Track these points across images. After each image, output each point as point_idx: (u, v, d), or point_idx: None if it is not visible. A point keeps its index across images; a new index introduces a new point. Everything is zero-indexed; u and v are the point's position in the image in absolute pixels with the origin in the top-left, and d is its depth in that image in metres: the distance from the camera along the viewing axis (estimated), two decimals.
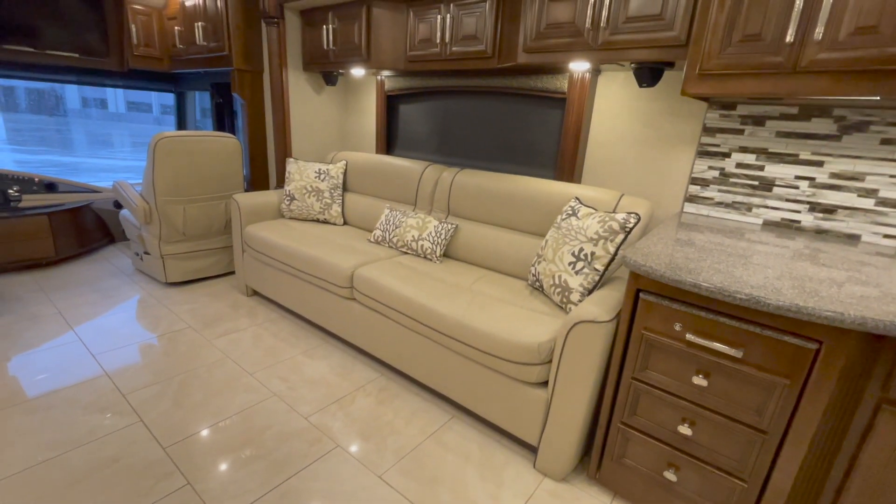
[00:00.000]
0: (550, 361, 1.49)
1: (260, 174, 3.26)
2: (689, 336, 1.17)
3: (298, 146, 3.15)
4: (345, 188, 2.96)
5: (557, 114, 2.23)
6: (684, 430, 1.23)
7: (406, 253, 2.35)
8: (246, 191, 3.14)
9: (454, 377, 1.77)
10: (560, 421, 1.47)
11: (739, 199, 1.79)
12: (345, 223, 2.88)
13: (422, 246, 2.27)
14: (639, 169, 2.07)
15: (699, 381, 1.18)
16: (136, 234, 2.93)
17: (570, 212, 1.78)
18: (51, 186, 3.24)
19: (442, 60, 2.27)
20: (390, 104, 2.99)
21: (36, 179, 3.17)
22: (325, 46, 2.74)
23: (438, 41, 2.24)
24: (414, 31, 2.35)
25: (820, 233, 1.65)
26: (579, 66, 1.95)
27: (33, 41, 2.98)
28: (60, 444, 1.56)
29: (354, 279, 2.08)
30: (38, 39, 3.01)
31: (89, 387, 1.87)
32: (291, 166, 2.82)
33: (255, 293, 2.89)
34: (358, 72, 2.78)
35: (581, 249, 1.63)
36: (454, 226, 2.29)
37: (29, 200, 3.13)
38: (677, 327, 1.20)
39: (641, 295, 1.25)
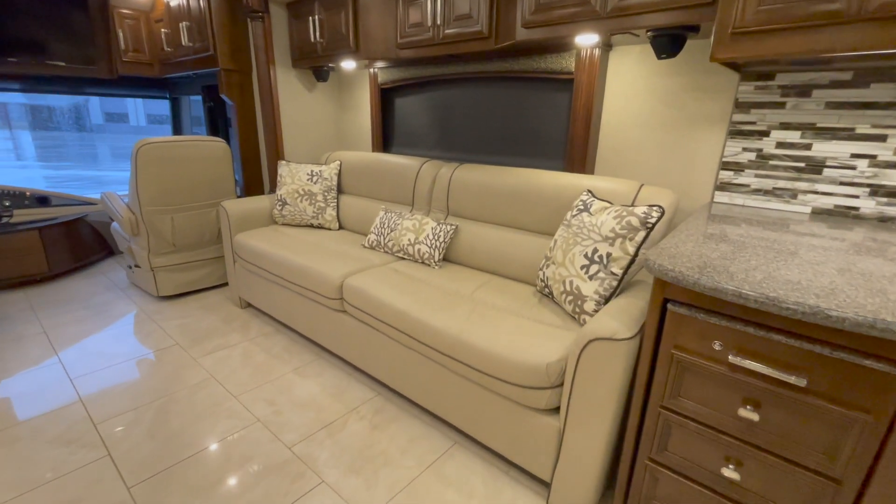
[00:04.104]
0: (562, 384, 1.26)
1: (253, 179, 3.10)
2: (732, 358, 0.93)
3: (292, 148, 2.98)
4: (339, 190, 2.78)
5: (565, 97, 2.00)
6: (729, 472, 0.99)
7: (402, 258, 2.15)
8: (239, 197, 2.99)
9: (454, 399, 1.56)
10: (575, 454, 1.25)
11: (782, 184, 1.53)
12: (340, 227, 2.70)
13: (419, 250, 2.06)
14: (659, 155, 1.82)
15: (747, 413, 0.94)
16: (126, 247, 2.81)
17: (582, 207, 1.55)
18: (43, 200, 3.16)
19: (435, 45, 2.05)
20: (385, 98, 2.80)
21: (27, 193, 3.09)
22: (313, 39, 2.56)
23: (430, 24, 2.03)
24: (404, 15, 2.14)
25: (884, 221, 1.38)
26: (587, 40, 1.71)
27: (15, 51, 2.88)
28: (17, 485, 1.41)
29: (344, 290, 1.89)
30: (21, 49, 2.91)
31: (60, 416, 1.73)
32: (283, 169, 2.65)
33: (250, 305, 2.73)
34: (349, 65, 2.59)
35: (595, 250, 1.40)
36: (454, 227, 2.08)
37: (21, 215, 3.05)
38: (716, 346, 0.96)
39: (670, 306, 1.02)
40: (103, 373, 2.01)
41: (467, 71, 2.28)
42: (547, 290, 1.63)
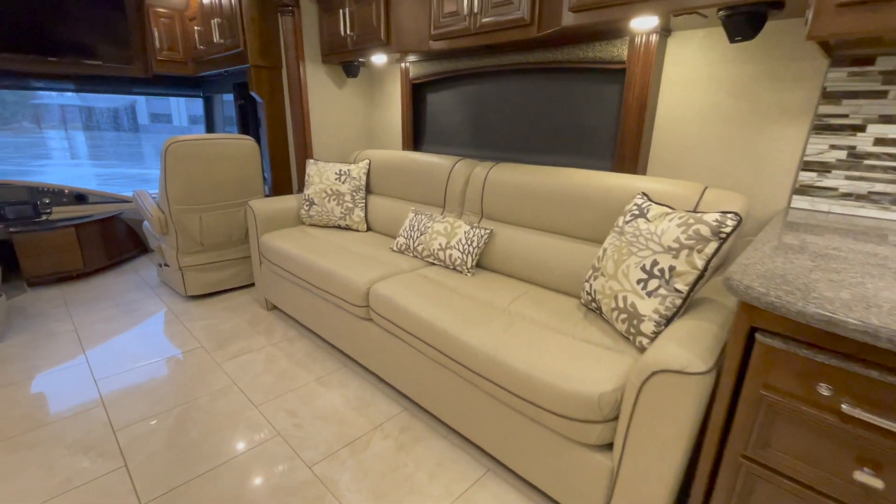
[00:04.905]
0: (617, 418, 1.09)
1: (282, 178, 3.05)
2: (845, 406, 0.74)
3: (320, 146, 2.90)
4: (368, 190, 2.67)
5: (614, 89, 1.81)
6: None
7: (433, 263, 2.01)
8: (267, 196, 2.93)
9: (488, 423, 1.41)
10: (631, 499, 1.07)
11: (880, 188, 1.30)
12: (368, 229, 2.59)
13: (450, 255, 1.92)
14: (723, 153, 1.60)
15: (865, 477, 0.74)
16: (157, 245, 2.80)
17: (637, 212, 1.37)
18: (81, 198, 3.20)
19: (471, 35, 1.91)
20: (416, 94, 2.67)
21: (66, 191, 3.14)
22: (343, 33, 2.46)
23: (466, 12, 1.88)
24: (438, 4, 2.01)
25: None
26: (644, 24, 1.52)
27: (58, 52, 2.93)
28: (31, 495, 1.35)
29: (371, 297, 1.77)
30: (64, 50, 2.95)
31: (81, 420, 1.68)
32: (311, 168, 2.57)
33: (275, 307, 2.66)
34: (379, 59, 2.47)
35: (655, 262, 1.21)
36: (488, 231, 1.93)
37: (59, 212, 3.10)
38: (824, 390, 0.77)
39: (759, 336, 0.83)
40: (127, 375, 1.97)
41: (504, 63, 2.12)
42: (594, 304, 1.46)
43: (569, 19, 1.55)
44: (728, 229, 1.11)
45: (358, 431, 1.66)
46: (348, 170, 2.53)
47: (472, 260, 1.88)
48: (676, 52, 1.65)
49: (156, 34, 3.19)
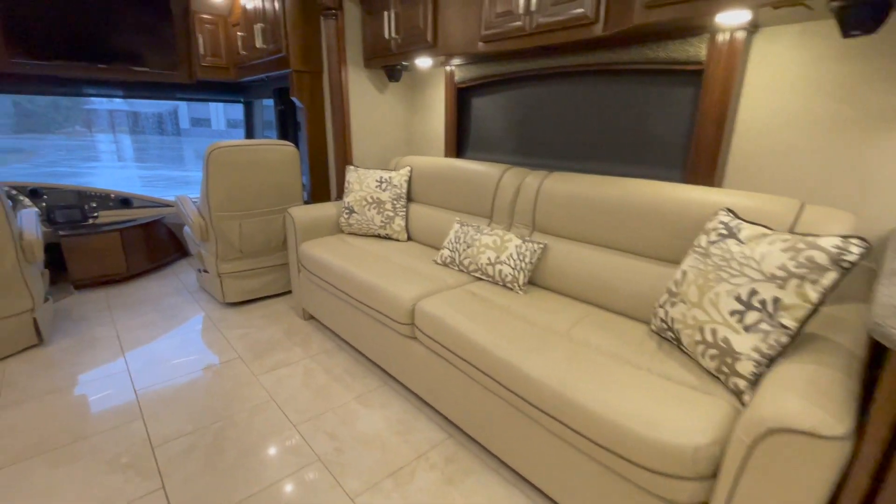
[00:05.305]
0: (715, 476, 0.93)
1: (320, 184, 3.00)
2: None
3: (360, 152, 2.83)
4: (409, 198, 2.58)
5: (688, 92, 1.64)
6: None
7: (480, 279, 1.89)
8: (305, 202, 2.89)
9: (548, 463, 1.27)
10: None
11: None
12: (409, 238, 2.49)
13: (500, 271, 1.79)
14: (819, 164, 1.41)
15: None
16: (197, 251, 2.79)
17: (725, 231, 1.20)
18: (125, 202, 3.25)
19: (526, 36, 1.78)
20: (461, 98, 2.56)
21: (112, 195, 3.19)
22: (387, 35, 2.38)
23: (522, 11, 1.75)
24: (489, 4, 1.89)
25: None
26: (731, 19, 1.36)
27: (104, 58, 2.98)
28: None
29: (416, 315, 1.66)
30: (114, 57, 3.00)
31: (120, 434, 1.64)
32: (351, 175, 2.50)
33: (312, 317, 2.60)
34: (424, 62, 2.38)
35: (753, 292, 1.05)
36: (541, 245, 1.79)
37: (105, 216, 3.15)
38: None
39: None
40: (166, 386, 1.94)
41: (560, 65, 1.98)
42: (670, 333, 1.30)
43: (642, 16, 1.40)
44: (852, 257, 0.93)
45: (402, 459, 1.55)
46: (389, 177, 2.44)
47: (525, 277, 1.75)
48: (763, 51, 1.47)
49: (200, 41, 3.21)
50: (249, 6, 2.95)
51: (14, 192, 2.87)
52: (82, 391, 1.89)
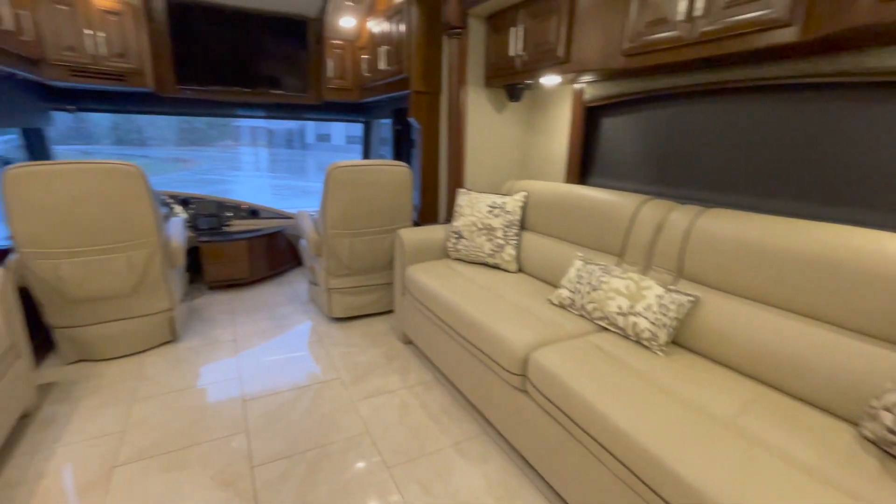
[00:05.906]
0: None
1: (430, 205, 2.94)
2: None
3: (472, 174, 2.71)
4: (522, 226, 2.38)
5: None
6: None
7: (606, 329, 1.61)
8: (414, 223, 2.84)
9: None
10: None
11: None
12: (519, 270, 2.29)
13: (634, 324, 1.50)
14: None
15: None
16: (310, 264, 2.90)
17: None
18: (254, 213, 3.54)
19: (687, 46, 1.49)
20: (590, 119, 2.30)
21: (243, 206, 3.50)
22: (512, 53, 2.23)
23: (681, 18, 1.47)
24: (637, 12, 1.64)
25: None
26: None
27: (250, 83, 3.28)
28: None
29: (529, 366, 1.44)
30: (255, 81, 3.30)
31: (226, 447, 1.67)
32: (462, 198, 2.38)
33: (411, 342, 2.51)
34: (551, 80, 2.18)
35: None
36: (692, 298, 1.46)
37: (236, 225, 3.45)
38: None
39: None
40: (271, 399, 1.96)
41: (724, 79, 1.65)
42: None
43: (870, 15, 1.05)
44: None
45: None
46: (503, 202, 2.27)
47: (667, 335, 1.44)
48: None
49: (329, 65, 3.39)
50: (377, 30, 3.04)
51: (170, 199, 3.28)
52: (201, 393, 1.99)
